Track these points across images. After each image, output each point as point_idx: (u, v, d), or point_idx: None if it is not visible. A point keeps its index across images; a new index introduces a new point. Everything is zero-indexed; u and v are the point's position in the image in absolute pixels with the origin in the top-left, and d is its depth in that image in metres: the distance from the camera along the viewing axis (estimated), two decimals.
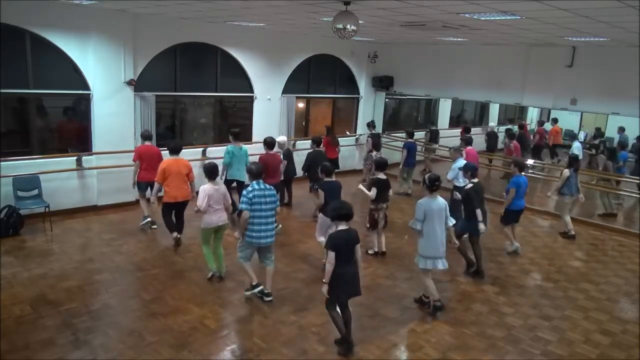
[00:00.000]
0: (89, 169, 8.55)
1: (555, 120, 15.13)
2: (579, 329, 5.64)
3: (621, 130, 14.09)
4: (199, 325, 5.24)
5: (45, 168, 7.97)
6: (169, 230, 7.26)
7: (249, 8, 7.07)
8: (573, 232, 8.83)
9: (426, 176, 5.68)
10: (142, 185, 7.89)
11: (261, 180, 5.65)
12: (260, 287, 5.78)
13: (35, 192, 7.82)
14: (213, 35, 9.80)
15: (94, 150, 8.60)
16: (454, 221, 5.76)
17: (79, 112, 8.72)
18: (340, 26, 5.81)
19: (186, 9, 7.60)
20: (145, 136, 7.95)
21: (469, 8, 5.70)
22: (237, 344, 4.98)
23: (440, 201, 5.59)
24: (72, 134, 8.80)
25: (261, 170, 5.73)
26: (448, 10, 6.08)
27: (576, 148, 11.64)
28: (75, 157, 8.39)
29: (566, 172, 8.58)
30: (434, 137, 13.76)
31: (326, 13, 6.71)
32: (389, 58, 12.93)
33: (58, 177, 8.20)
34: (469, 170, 6.92)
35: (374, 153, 9.26)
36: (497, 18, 6.37)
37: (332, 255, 4.55)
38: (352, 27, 5.83)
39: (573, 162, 8.75)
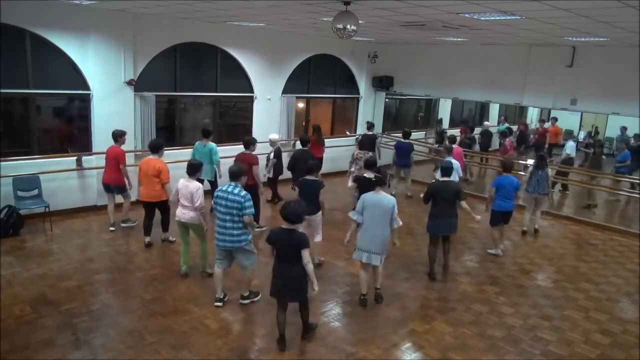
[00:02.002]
0: (89, 169, 8.55)
1: (555, 120, 15.06)
2: (579, 329, 5.64)
3: (624, 129, 14.07)
4: (199, 325, 5.24)
5: (45, 168, 7.97)
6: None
7: (249, 8, 7.07)
8: (525, 229, 8.85)
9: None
10: (104, 186, 7.82)
11: (233, 183, 5.38)
12: (221, 297, 5.70)
13: (35, 192, 7.82)
14: (213, 35, 9.80)
15: (94, 150, 8.60)
16: (400, 223, 5.74)
17: (78, 112, 8.73)
18: (340, 26, 5.81)
19: (186, 9, 7.60)
20: (112, 135, 7.68)
21: (469, 8, 5.71)
22: (237, 344, 4.98)
23: (387, 199, 5.63)
24: (72, 134, 8.79)
25: (238, 172, 5.45)
26: (448, 10, 6.08)
27: (569, 147, 11.64)
28: (75, 157, 8.40)
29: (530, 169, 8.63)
30: (442, 137, 13.79)
31: (326, 13, 6.71)
32: (389, 58, 12.93)
33: (58, 177, 8.20)
34: (440, 168, 7.05)
35: (357, 152, 9.31)
36: (497, 18, 6.38)
37: (269, 247, 4.75)
38: (352, 27, 5.83)
39: (539, 160, 8.70)
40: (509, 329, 5.55)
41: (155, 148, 6.99)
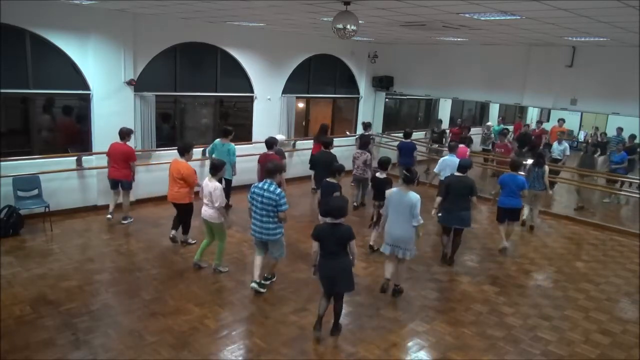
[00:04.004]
0: (89, 169, 8.55)
1: (562, 120, 14.82)
2: (579, 329, 5.64)
3: (620, 130, 14.02)
4: (199, 325, 5.24)
5: (45, 168, 7.96)
6: None
7: (249, 8, 7.07)
8: (531, 224, 9.02)
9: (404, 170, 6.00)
10: (109, 182, 8.02)
11: (269, 180, 5.63)
12: (257, 281, 6.02)
13: (35, 192, 7.81)
14: (213, 35, 9.80)
15: (94, 150, 8.60)
16: (420, 221, 5.76)
17: (78, 112, 8.73)
18: (340, 26, 5.82)
19: (186, 9, 7.60)
20: (119, 133, 7.82)
21: (469, 8, 5.71)
22: (237, 344, 4.98)
23: (407, 197, 5.71)
24: (71, 133, 8.79)
25: (273, 170, 5.70)
26: (448, 10, 6.08)
27: (557, 149, 11.67)
28: (75, 157, 8.40)
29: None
30: (441, 138, 13.78)
31: (326, 13, 6.71)
32: (389, 58, 12.93)
33: (58, 177, 8.20)
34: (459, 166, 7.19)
35: (355, 152, 9.43)
36: (497, 18, 6.38)
37: (314, 244, 4.91)
38: (352, 27, 5.84)
39: (537, 158, 8.77)
40: (509, 329, 5.55)
41: (180, 151, 7.06)
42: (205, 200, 6.28)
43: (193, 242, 7.36)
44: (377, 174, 7.38)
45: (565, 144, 11.79)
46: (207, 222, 6.40)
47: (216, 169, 6.26)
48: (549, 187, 8.95)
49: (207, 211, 6.30)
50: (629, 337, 5.53)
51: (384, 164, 7.35)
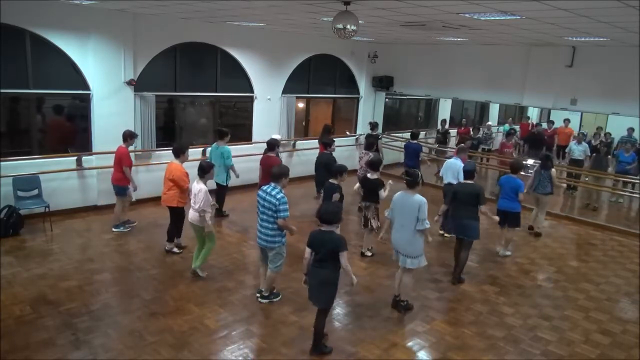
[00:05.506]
0: (89, 169, 8.55)
1: (568, 121, 14.80)
2: (579, 329, 5.64)
3: (631, 130, 13.99)
4: (199, 325, 5.24)
5: (45, 168, 7.97)
6: None
7: (249, 8, 7.07)
8: (537, 230, 8.90)
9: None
10: (113, 186, 7.82)
11: (273, 184, 5.36)
12: (261, 289, 5.88)
13: (35, 192, 7.82)
14: (213, 35, 9.80)
15: (94, 150, 8.60)
16: (428, 225, 5.42)
17: (78, 112, 8.73)
18: (340, 26, 5.82)
19: (186, 9, 7.60)
20: (122, 135, 7.67)
21: (469, 8, 5.71)
22: (237, 344, 4.97)
23: (414, 199, 5.42)
24: (71, 133, 8.79)
25: (279, 174, 5.39)
26: (448, 10, 6.08)
27: (576, 149, 11.65)
28: (75, 157, 8.40)
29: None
30: (445, 138, 13.77)
31: (326, 13, 6.72)
32: (389, 58, 12.93)
33: (58, 177, 8.20)
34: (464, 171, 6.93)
35: (362, 152, 9.44)
36: (497, 18, 6.38)
37: (307, 250, 4.73)
38: (352, 27, 5.84)
39: (545, 160, 8.71)
40: (509, 329, 5.55)
41: (175, 152, 6.88)
42: (191, 203, 6.18)
43: (178, 251, 7.07)
44: (368, 175, 7.07)
45: (585, 144, 11.74)
46: (192, 225, 6.25)
47: (203, 171, 6.15)
48: (557, 188, 8.70)
49: (191, 214, 6.19)
50: (629, 337, 5.53)
51: (374, 164, 7.07)
